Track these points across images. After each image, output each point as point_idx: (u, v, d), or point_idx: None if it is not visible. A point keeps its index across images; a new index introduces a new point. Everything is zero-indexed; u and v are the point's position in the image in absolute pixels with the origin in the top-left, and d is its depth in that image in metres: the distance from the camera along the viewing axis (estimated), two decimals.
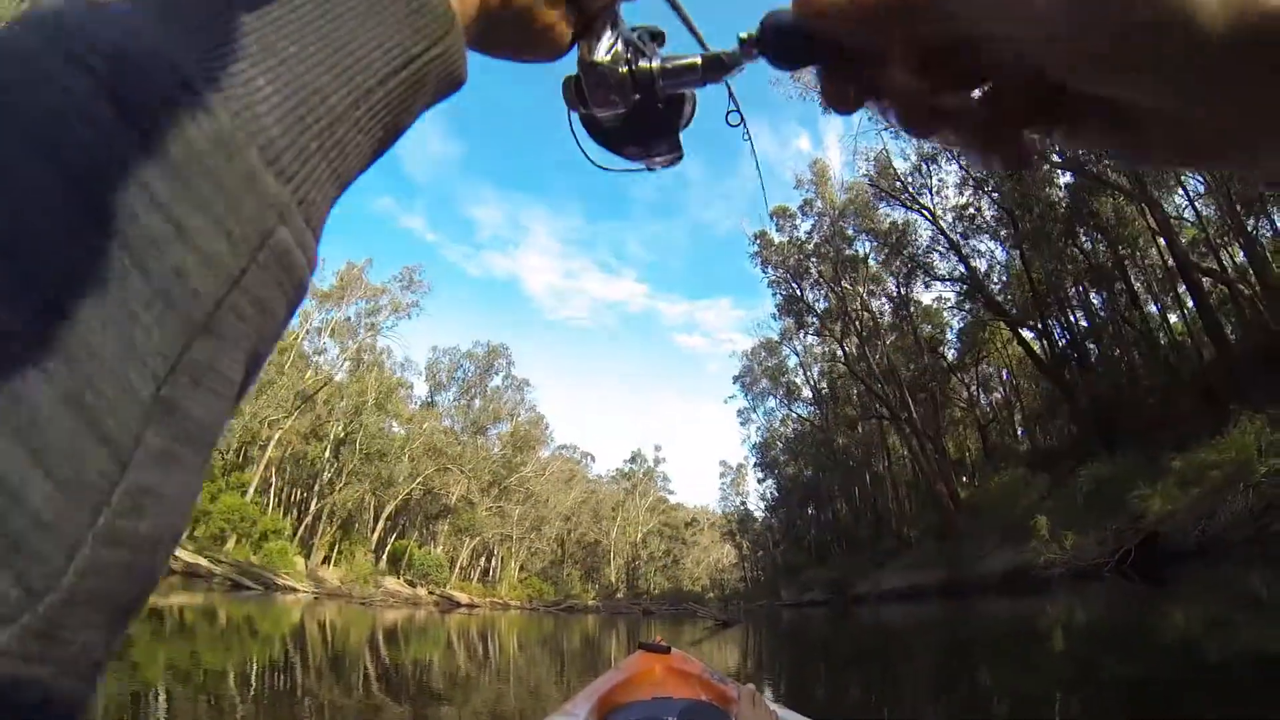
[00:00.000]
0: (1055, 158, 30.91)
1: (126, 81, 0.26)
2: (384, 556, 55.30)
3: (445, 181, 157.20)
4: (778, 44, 0.36)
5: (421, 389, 65.83)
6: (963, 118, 0.35)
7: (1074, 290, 36.57)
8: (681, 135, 0.53)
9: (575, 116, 0.52)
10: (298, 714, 5.98)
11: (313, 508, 52.12)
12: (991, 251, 40.14)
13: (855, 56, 0.34)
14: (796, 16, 0.34)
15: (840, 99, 0.36)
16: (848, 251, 46.67)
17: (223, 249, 0.27)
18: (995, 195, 36.43)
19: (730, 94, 0.47)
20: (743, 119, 0.49)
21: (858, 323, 47.21)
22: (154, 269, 0.25)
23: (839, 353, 51.26)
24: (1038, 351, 37.13)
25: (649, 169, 0.57)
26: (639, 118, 0.51)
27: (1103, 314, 35.90)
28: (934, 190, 40.27)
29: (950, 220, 39.84)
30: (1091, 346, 36.02)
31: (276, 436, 46.53)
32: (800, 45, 0.35)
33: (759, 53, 0.37)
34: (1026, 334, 37.61)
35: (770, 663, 12.96)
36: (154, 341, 0.25)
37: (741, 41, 0.39)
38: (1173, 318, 33.80)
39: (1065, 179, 33.55)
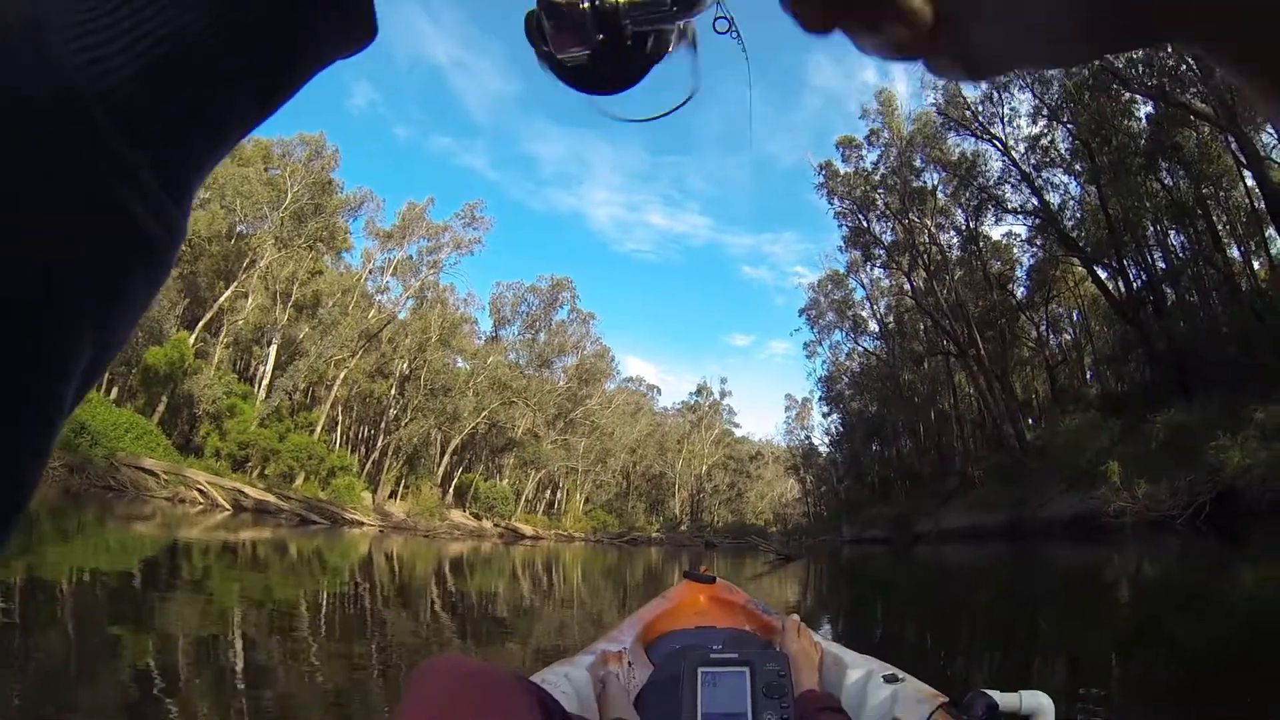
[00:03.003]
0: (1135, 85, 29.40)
1: None
2: (450, 490, 56.41)
3: (505, 120, 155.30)
4: None
5: (486, 324, 66.45)
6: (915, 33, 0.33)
7: (1152, 229, 34.79)
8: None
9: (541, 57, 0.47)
10: (366, 642, 6.09)
11: (379, 444, 53.41)
12: (1065, 186, 38.67)
13: None
14: None
15: (810, 19, 0.34)
16: (915, 183, 45.43)
17: (58, 224, 0.26)
18: (1071, 126, 34.80)
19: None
20: (732, 23, 0.44)
21: (925, 256, 46.35)
22: None
23: (906, 286, 50.56)
24: (1112, 292, 35.64)
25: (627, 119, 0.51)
26: (606, 57, 0.46)
27: (1183, 255, 34.04)
28: (1005, 119, 38.86)
29: (1022, 151, 38.41)
30: (1169, 290, 34.36)
31: (342, 376, 47.47)
32: None
33: None
34: (1101, 273, 36.23)
35: (829, 599, 13.00)
36: None
37: None
38: (1256, 263, 31.94)
39: (1146, 109, 31.76)
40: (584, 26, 0.44)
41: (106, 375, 34.43)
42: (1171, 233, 34.49)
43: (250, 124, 0.33)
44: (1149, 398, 28.14)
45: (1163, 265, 34.94)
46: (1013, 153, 38.46)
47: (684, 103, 0.51)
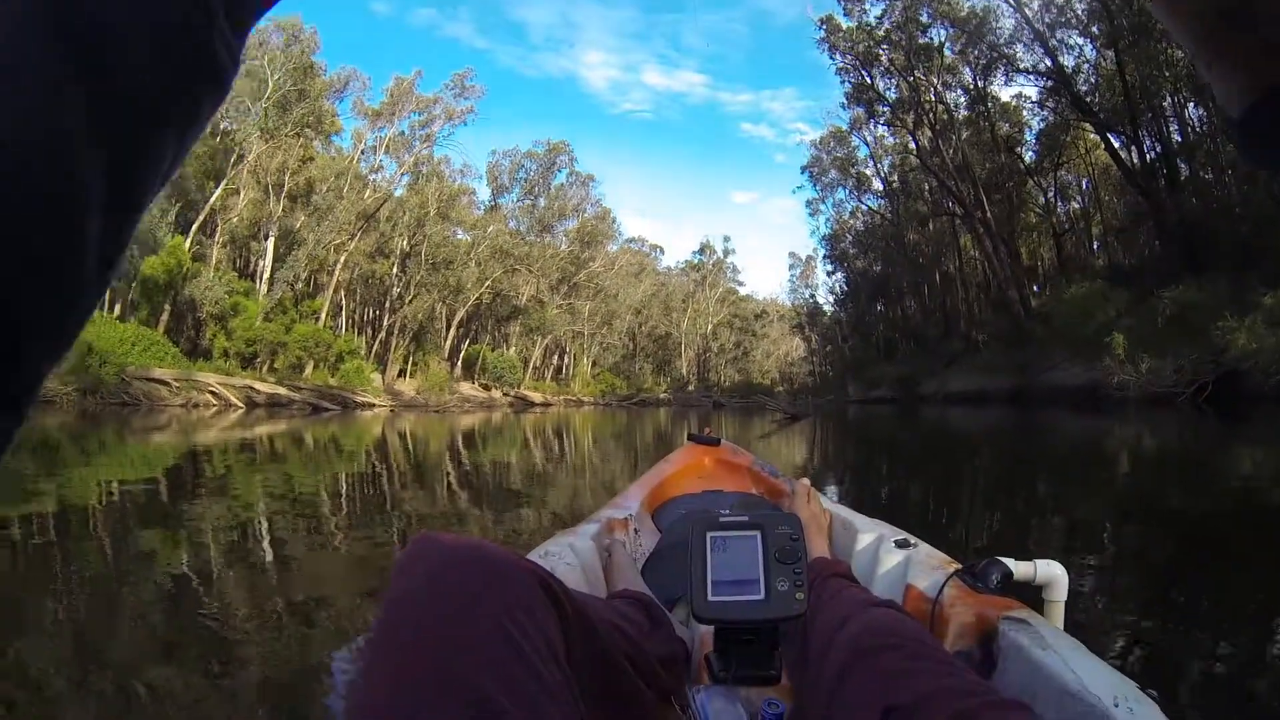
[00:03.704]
0: None
1: None
2: (458, 363, 56.78)
3: None
4: None
5: (484, 194, 65.40)
6: None
7: (1170, 100, 33.45)
8: None
9: None
10: (385, 521, 6.25)
11: (385, 324, 53.54)
12: (1080, 49, 36.88)
13: None
14: None
15: None
16: (921, 39, 43.65)
17: (168, 58, 0.32)
18: None
19: None
20: None
21: (931, 115, 45.04)
22: (90, 70, 0.29)
23: (911, 145, 49.43)
24: (1125, 161, 34.72)
25: None
26: None
27: (1200, 129, 32.80)
28: None
29: (1036, 9, 36.72)
30: (1183, 164, 33.29)
31: (342, 260, 47.19)
32: None
33: None
34: (1114, 142, 35.13)
35: (836, 461, 13.11)
36: (92, 138, 0.30)
37: None
38: None
39: None
40: None
41: (107, 292, 35.38)
42: (1190, 105, 33.13)
43: None
44: (1157, 272, 27.84)
45: (1178, 138, 33.78)
46: (1026, 10, 36.81)
47: None
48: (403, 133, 53.19)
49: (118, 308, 36.47)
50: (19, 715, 2.46)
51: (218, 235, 43.40)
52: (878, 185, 60.27)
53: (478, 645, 0.75)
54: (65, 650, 3.04)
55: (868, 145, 57.87)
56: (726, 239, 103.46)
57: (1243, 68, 0.29)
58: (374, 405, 36.90)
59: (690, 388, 78.18)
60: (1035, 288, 45.02)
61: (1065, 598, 1.52)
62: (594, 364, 72.82)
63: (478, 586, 0.81)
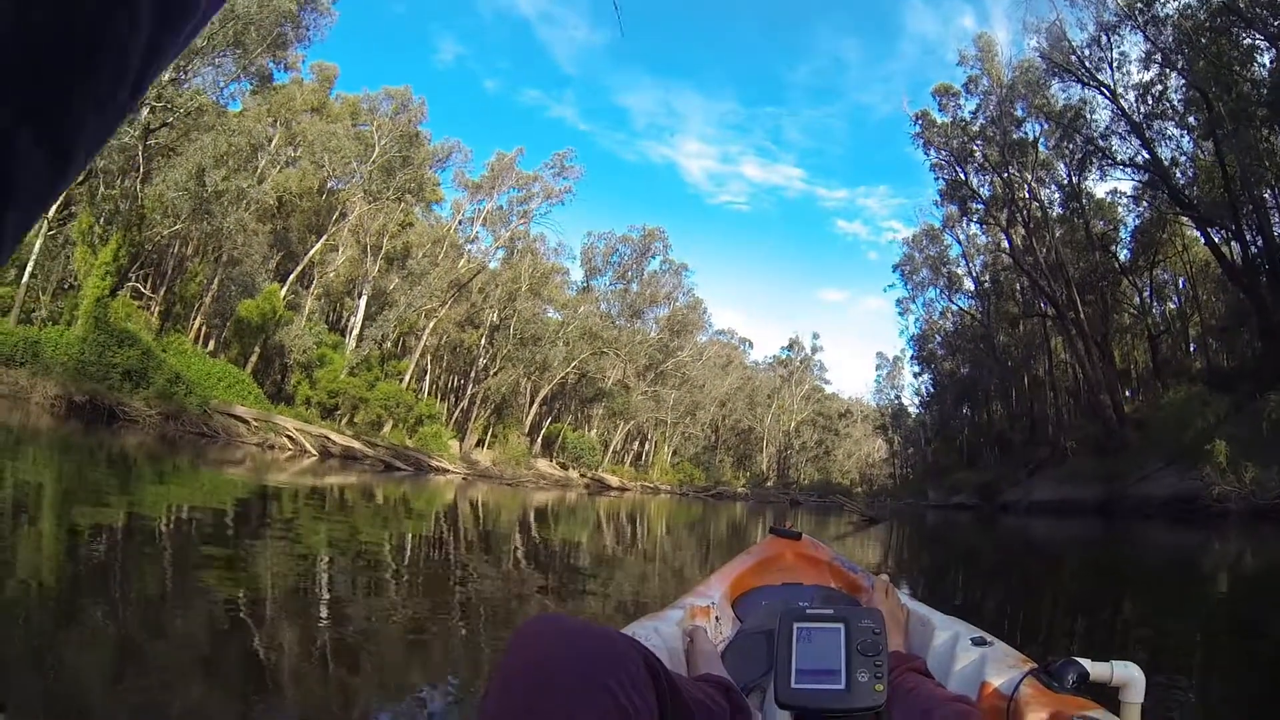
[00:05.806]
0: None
1: None
2: (538, 440, 56.82)
3: (595, 71, 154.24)
4: None
5: (577, 274, 66.24)
6: None
7: (1271, 193, 31.73)
8: None
9: None
10: (447, 587, 6.29)
11: (468, 392, 54.33)
12: (1177, 140, 35.97)
13: None
14: None
15: None
16: (1016, 134, 43.37)
17: None
18: (1185, 73, 32.32)
19: None
20: None
21: (1025, 212, 44.34)
22: None
23: (1004, 243, 48.74)
24: (1226, 257, 33.39)
25: None
26: None
27: None
28: (1114, 65, 36.36)
29: (1132, 100, 36.06)
30: None
31: (432, 325, 47.97)
32: None
33: None
34: (1214, 237, 33.85)
35: (910, 563, 12.83)
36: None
37: None
38: None
39: (1269, 56, 29.31)
40: None
41: (203, 328, 36.10)
42: None
43: None
44: (1260, 375, 26.45)
45: None
46: (1121, 101, 36.17)
47: None
48: (501, 207, 54.45)
49: (211, 343, 38.30)
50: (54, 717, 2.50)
51: (313, 287, 44.92)
52: (969, 285, 59.26)
53: (594, 711, 0.85)
54: (105, 659, 3.11)
55: (960, 244, 57.19)
56: (815, 336, 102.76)
57: None
58: (448, 471, 37.25)
59: (769, 483, 77.18)
60: (1128, 392, 43.42)
61: (1141, 700, 1.51)
62: (674, 453, 72.26)
63: (593, 659, 0.91)
